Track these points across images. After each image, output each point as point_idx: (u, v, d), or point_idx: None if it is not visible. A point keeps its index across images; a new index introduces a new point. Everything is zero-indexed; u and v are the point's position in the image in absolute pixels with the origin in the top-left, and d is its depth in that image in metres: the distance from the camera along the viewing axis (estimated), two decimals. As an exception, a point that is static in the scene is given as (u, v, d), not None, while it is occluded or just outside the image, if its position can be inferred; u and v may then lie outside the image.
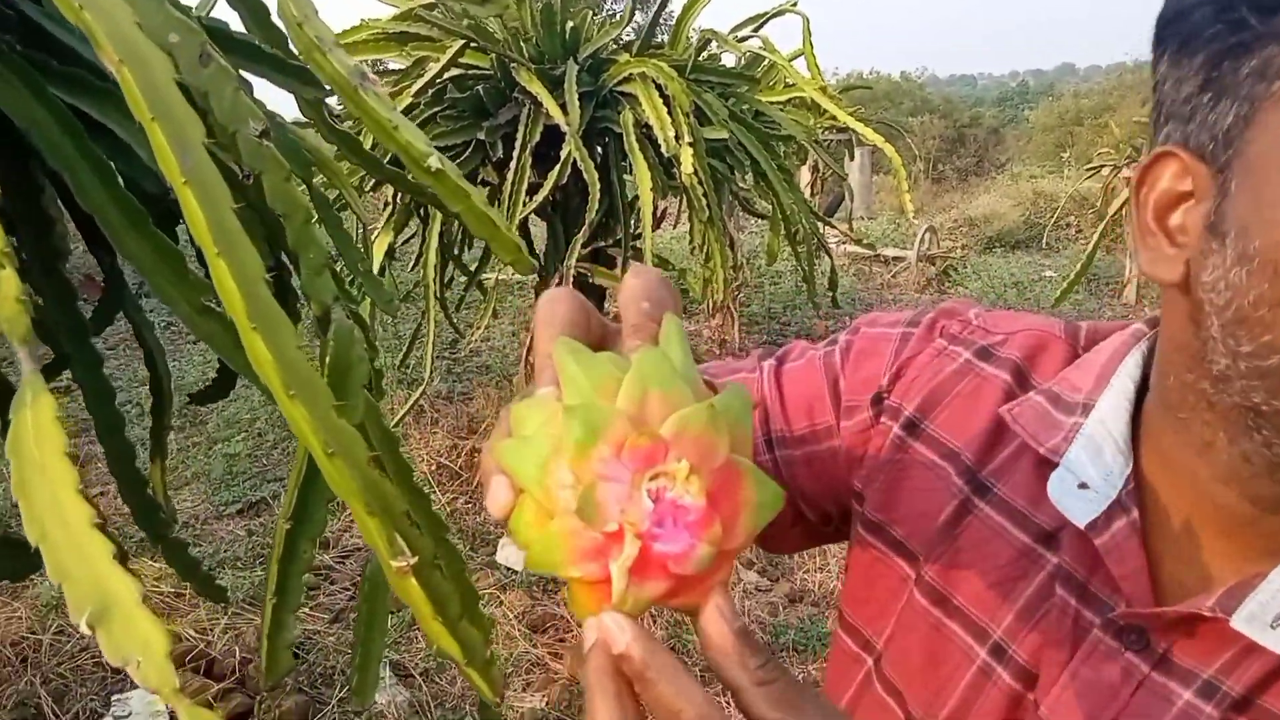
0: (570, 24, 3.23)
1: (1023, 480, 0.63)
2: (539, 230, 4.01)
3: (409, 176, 0.82)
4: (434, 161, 0.76)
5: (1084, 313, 8.63)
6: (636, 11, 3.49)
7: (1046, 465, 0.61)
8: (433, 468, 4.15)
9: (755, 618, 3.23)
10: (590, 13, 3.29)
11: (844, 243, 8.17)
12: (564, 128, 2.97)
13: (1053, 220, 12.48)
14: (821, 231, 3.87)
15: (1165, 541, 0.57)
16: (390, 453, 1.14)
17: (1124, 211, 8.34)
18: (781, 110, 3.63)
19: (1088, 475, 0.58)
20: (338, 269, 1.51)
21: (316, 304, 0.86)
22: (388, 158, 0.88)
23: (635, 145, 3.06)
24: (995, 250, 12.77)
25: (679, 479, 0.38)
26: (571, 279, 3.33)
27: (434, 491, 3.97)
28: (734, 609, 0.39)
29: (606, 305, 4.00)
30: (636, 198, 3.14)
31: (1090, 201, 11.29)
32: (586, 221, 3.16)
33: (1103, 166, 9.54)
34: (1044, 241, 12.57)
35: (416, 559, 0.58)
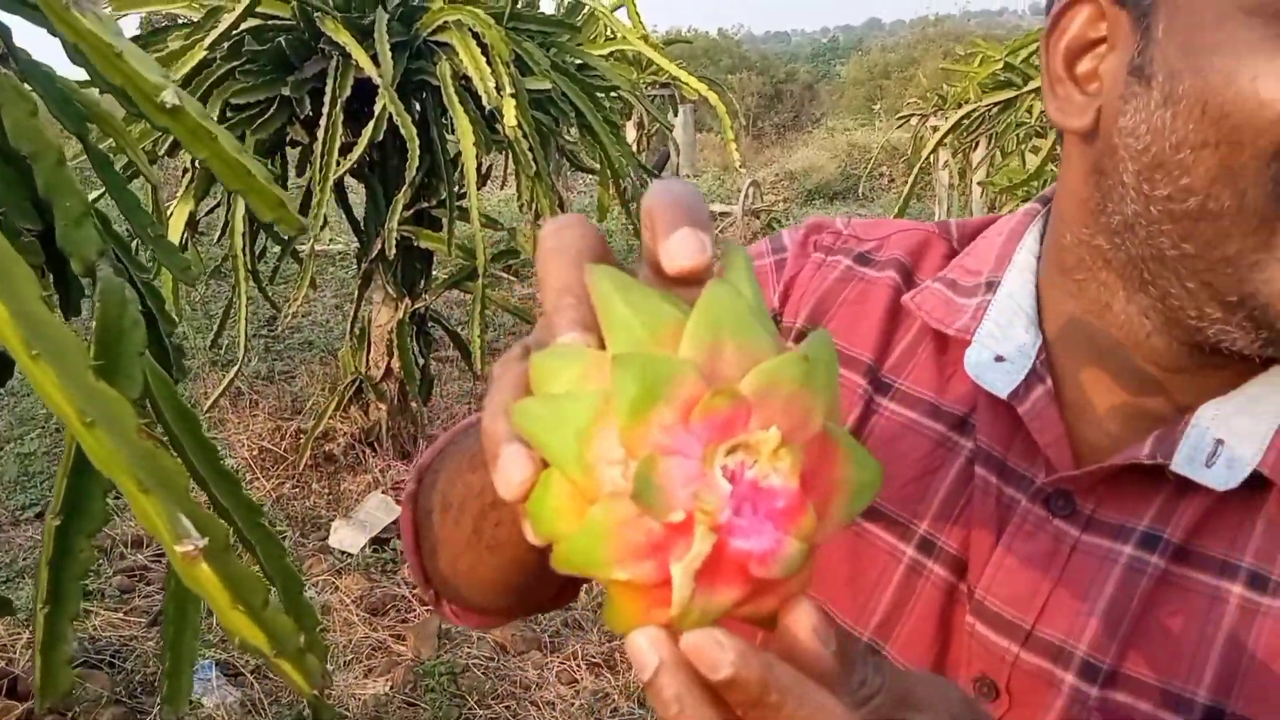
0: (377, -31, 3.04)
1: (925, 371, 0.62)
2: (357, 195, 3.81)
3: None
4: (169, 96, 0.63)
5: (901, 258, 8.96)
6: (447, -41, 3.32)
7: (952, 349, 0.60)
8: (254, 453, 3.91)
9: (606, 577, 3.20)
10: (397, -42, 3.10)
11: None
12: (376, 80, 2.80)
13: (867, 170, 12.95)
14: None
15: (1076, 408, 0.58)
16: (187, 432, 1.00)
17: (932, 159, 8.70)
18: (605, 63, 3.55)
19: (1003, 348, 0.58)
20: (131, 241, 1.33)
21: (77, 259, 0.72)
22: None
23: (455, 98, 2.92)
24: (815, 202, 13.16)
25: (765, 453, 0.29)
26: (394, 242, 3.16)
27: (257, 477, 3.73)
28: (825, 617, 0.31)
29: (434, 271, 3.84)
30: (459, 154, 3.01)
31: (901, 151, 11.77)
32: (407, 181, 3.01)
33: (911, 116, 9.93)
34: (860, 191, 13.03)
35: (207, 541, 0.48)
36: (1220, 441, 0.52)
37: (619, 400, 0.29)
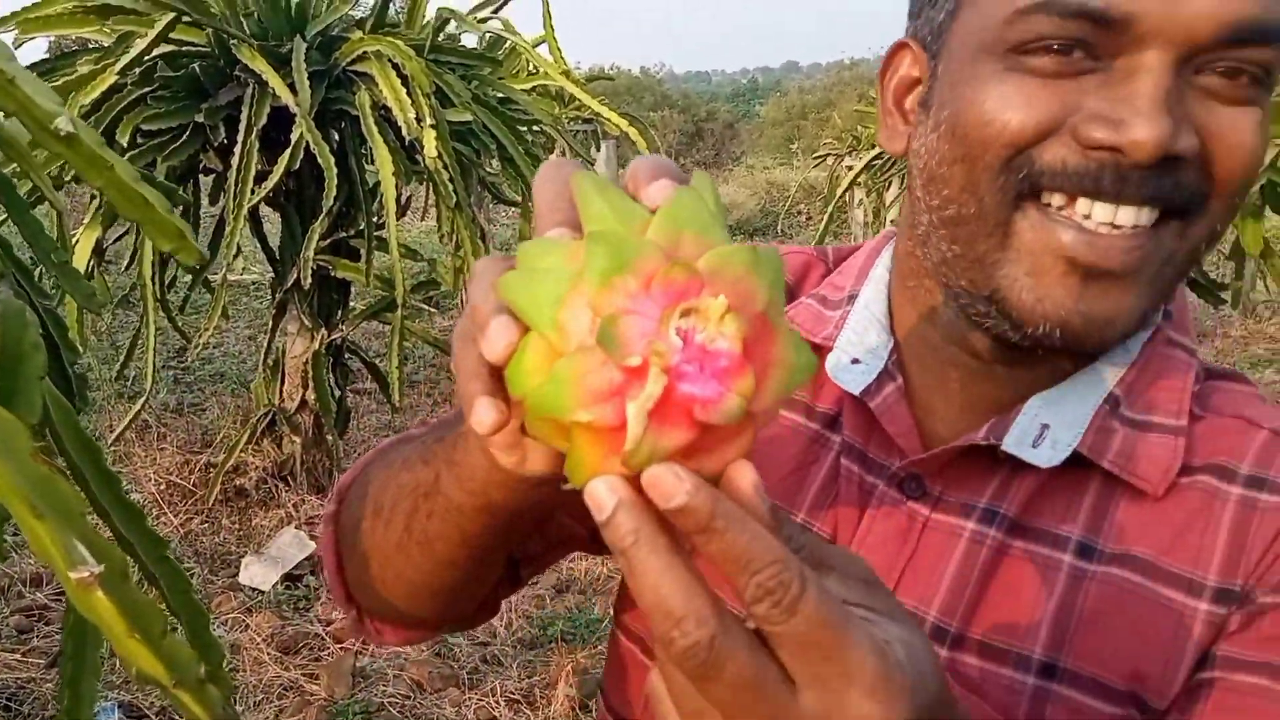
0: (295, -1, 3.02)
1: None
2: (273, 224, 3.75)
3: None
4: (63, 123, 0.62)
5: None
6: (369, -10, 3.31)
7: (823, 355, 0.67)
8: (161, 487, 3.78)
9: (522, 612, 3.16)
10: (317, -13, 3.09)
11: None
12: (293, 109, 2.77)
13: (785, 208, 13.21)
14: (572, 218, 3.84)
15: (923, 402, 0.65)
16: (89, 462, 0.97)
17: (846, 197, 8.91)
18: (527, 97, 3.57)
19: (858, 352, 0.65)
20: (33, 267, 1.29)
21: (-28, 280, 0.70)
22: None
23: (374, 128, 2.90)
24: (736, 238, 13.29)
25: (713, 319, 0.33)
26: (310, 272, 3.12)
27: (164, 512, 3.61)
28: (762, 481, 0.36)
29: (352, 302, 3.79)
30: (378, 184, 2.99)
31: (818, 189, 12.03)
32: (324, 210, 2.97)
33: (828, 156, 10.17)
34: (779, 228, 13.27)
35: (103, 568, 0.47)
36: (1046, 425, 0.60)
37: (589, 269, 0.33)
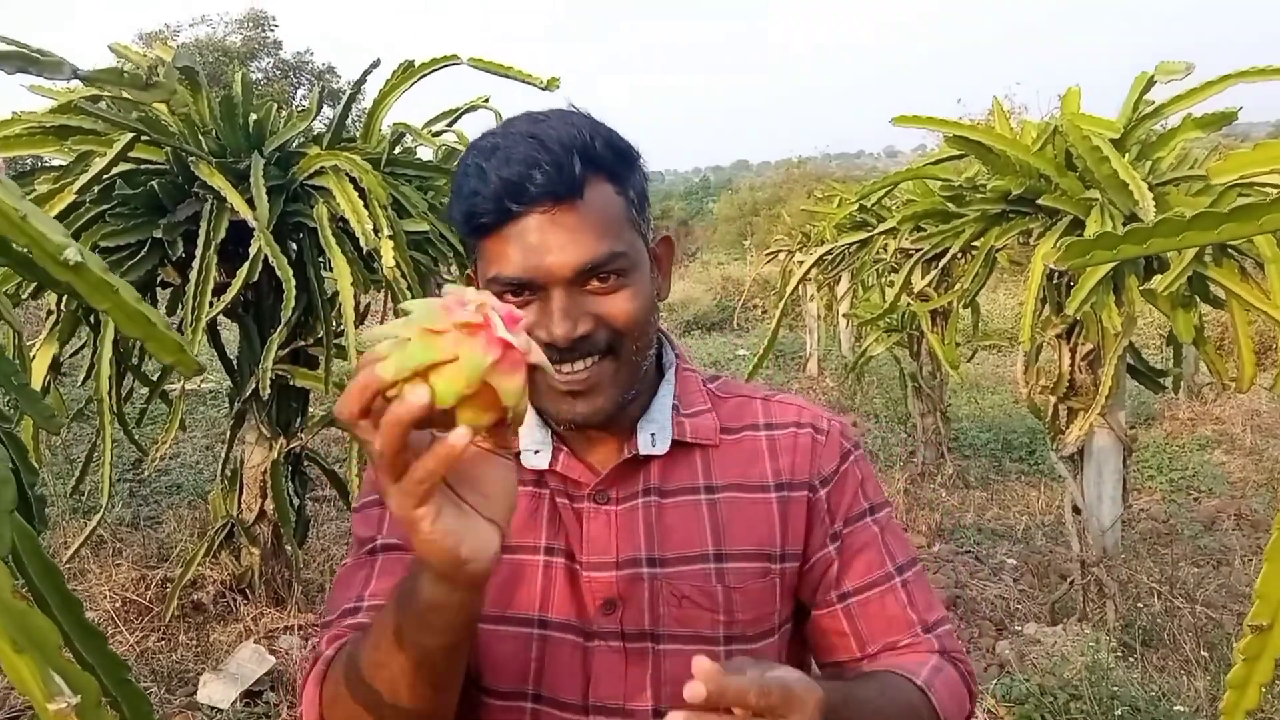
0: (254, 116, 3.10)
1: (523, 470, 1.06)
2: (230, 332, 3.76)
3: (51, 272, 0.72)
4: (72, 254, 0.67)
5: (774, 385, 9.24)
6: (325, 105, 3.41)
7: (518, 455, 1.05)
8: (117, 604, 3.70)
9: None
10: (275, 105, 3.17)
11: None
12: (251, 223, 2.82)
13: (740, 303, 13.40)
14: (529, 321, 3.90)
15: (580, 452, 1.05)
16: (51, 587, 0.99)
17: (799, 291, 9.08)
18: (481, 203, 3.65)
19: (532, 445, 1.04)
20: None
21: (-55, 416, 0.73)
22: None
23: (331, 239, 2.96)
24: (694, 332, 13.50)
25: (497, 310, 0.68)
26: (269, 382, 3.13)
27: (120, 630, 3.53)
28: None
29: (311, 409, 3.79)
30: (337, 293, 3.03)
31: (772, 284, 12.25)
32: (283, 320, 3.00)
33: (779, 251, 10.40)
34: (735, 322, 13.45)
35: (79, 699, 0.49)
36: (653, 433, 1.04)
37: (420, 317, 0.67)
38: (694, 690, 0.69)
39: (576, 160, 0.93)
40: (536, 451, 1.04)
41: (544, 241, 0.92)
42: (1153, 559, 4.63)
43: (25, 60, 0.86)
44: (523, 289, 0.94)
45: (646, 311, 0.98)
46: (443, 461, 0.67)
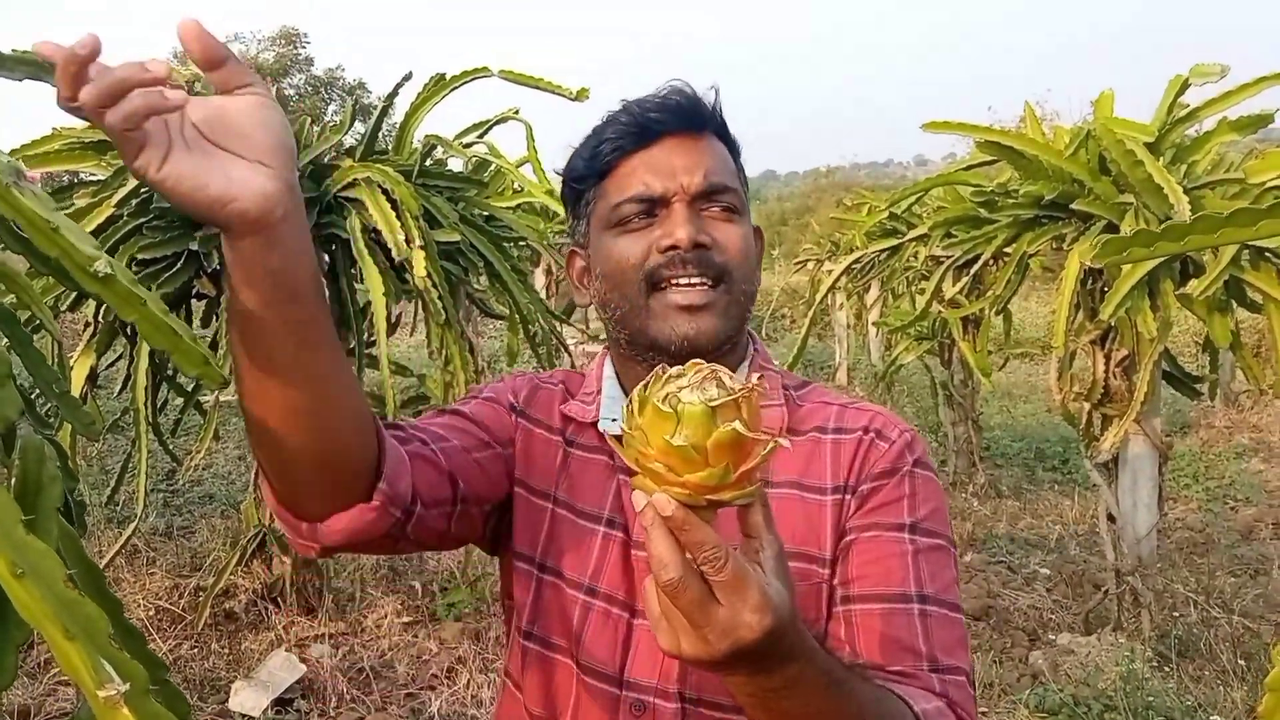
0: (287, 130, 3.13)
1: (588, 437, 1.11)
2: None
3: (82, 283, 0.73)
4: (102, 266, 0.68)
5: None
6: (357, 120, 3.44)
7: (595, 424, 1.10)
8: (151, 613, 3.74)
9: None
10: (309, 119, 3.21)
11: (582, 342, 8.32)
12: (286, 234, 2.85)
13: (769, 313, 13.38)
14: (560, 330, 3.92)
15: None
16: (93, 587, 1.00)
17: (828, 300, 9.05)
18: (511, 214, 3.68)
19: (613, 414, 1.07)
20: (32, 393, 1.33)
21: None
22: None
23: (364, 250, 2.98)
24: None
25: None
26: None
27: (153, 638, 3.57)
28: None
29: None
30: (368, 304, 3.05)
31: (800, 293, 12.22)
32: (316, 330, 3.03)
33: (808, 261, 10.38)
34: (763, 332, 13.42)
35: (129, 686, 0.50)
36: None
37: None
38: (665, 501, 0.66)
39: (703, 104, 1.05)
40: (615, 420, 1.06)
41: (674, 161, 1.02)
42: (1189, 568, 4.56)
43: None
44: (651, 207, 1.02)
45: (753, 256, 1.06)
46: (148, 104, 0.65)
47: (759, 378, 0.81)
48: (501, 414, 1.12)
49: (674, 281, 1.00)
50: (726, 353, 1.05)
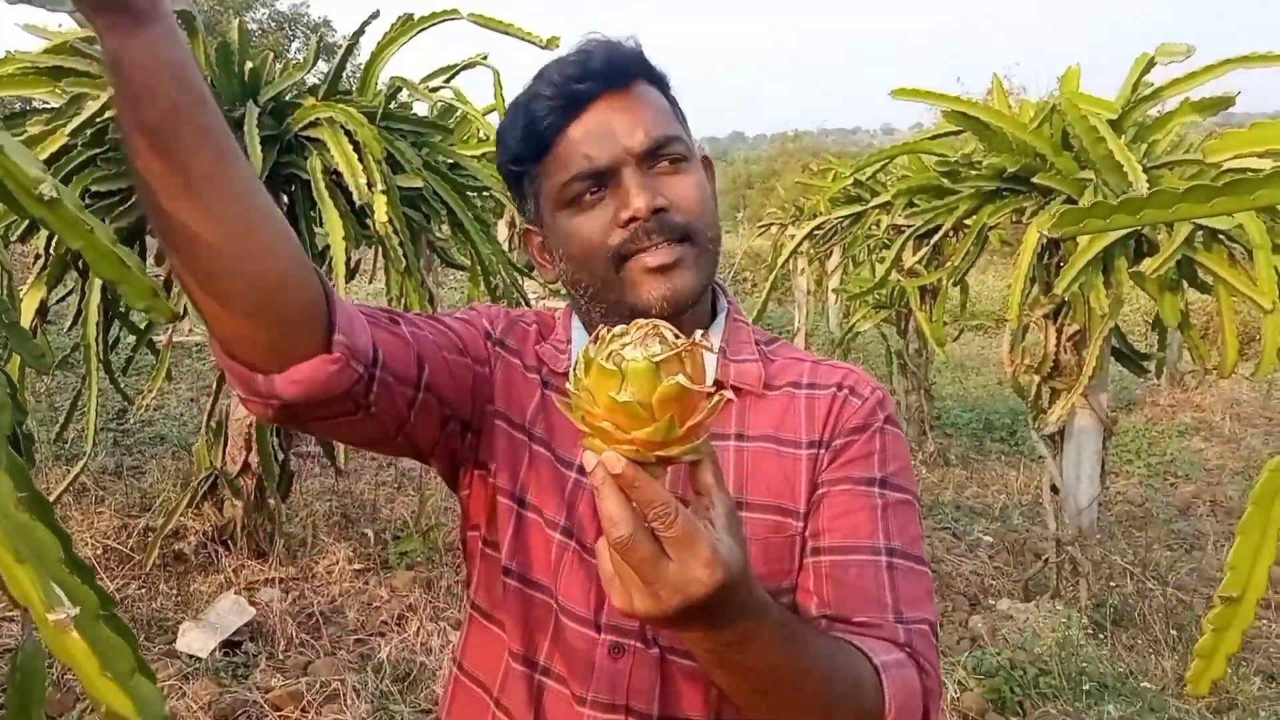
0: (249, 65, 3.07)
1: (561, 384, 1.06)
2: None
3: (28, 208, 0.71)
4: (47, 189, 0.67)
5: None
6: (321, 59, 3.37)
7: (566, 375, 1.00)
8: (99, 551, 3.71)
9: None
10: (271, 54, 3.14)
11: (543, 297, 8.29)
12: (245, 173, 2.80)
13: (730, 275, 13.40)
14: (521, 284, 3.90)
15: None
16: (42, 519, 0.99)
17: (790, 265, 9.08)
18: (477, 163, 3.63)
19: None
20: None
21: (-56, 342, 0.73)
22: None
23: (325, 193, 2.94)
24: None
25: None
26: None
27: (101, 578, 3.54)
28: None
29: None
30: (328, 248, 3.02)
31: (763, 257, 12.25)
32: (273, 272, 2.99)
33: (771, 225, 10.39)
34: (725, 295, 13.44)
35: (79, 610, 0.50)
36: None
37: None
38: (615, 459, 0.67)
39: (623, 55, 1.02)
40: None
41: (611, 126, 0.99)
42: (1127, 541, 4.70)
43: (26, -10, 0.86)
44: (599, 180, 0.99)
45: (710, 202, 1.04)
46: None
47: (711, 336, 0.79)
48: (477, 336, 1.09)
49: (645, 249, 0.99)
50: (698, 302, 1.05)
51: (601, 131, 0.99)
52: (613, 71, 1.00)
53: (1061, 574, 3.86)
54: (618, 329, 0.70)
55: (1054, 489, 3.81)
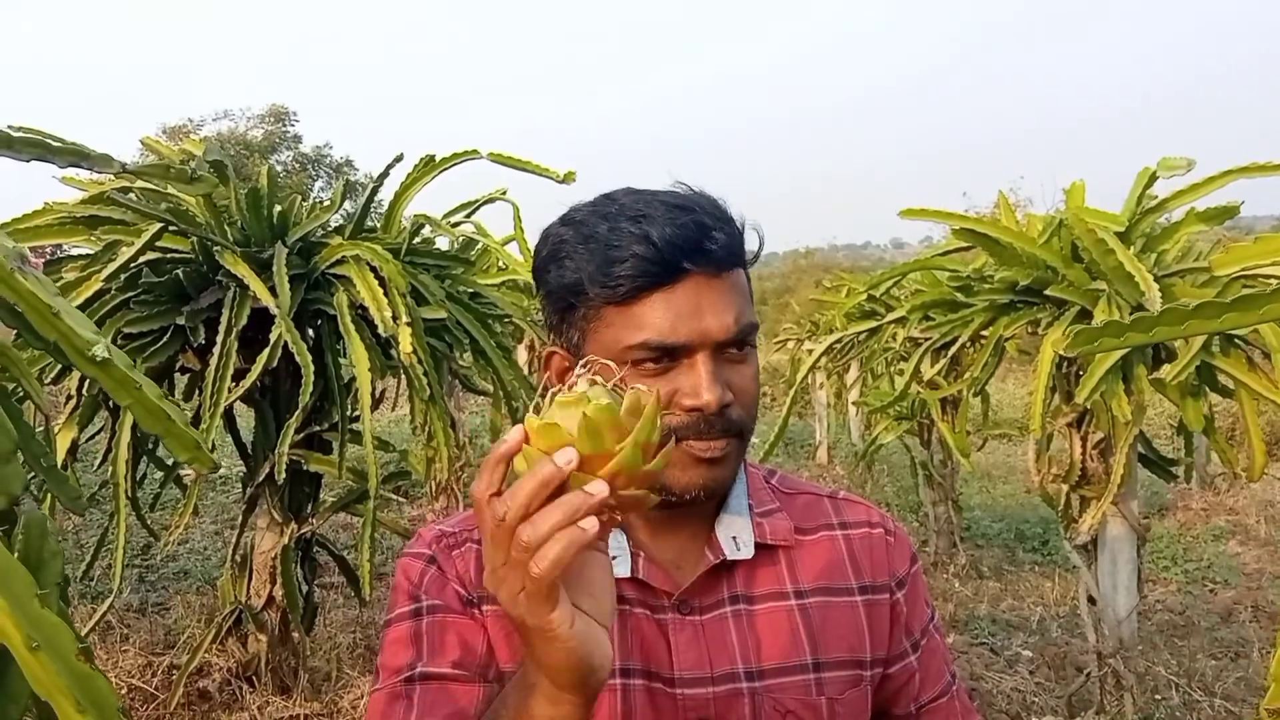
0: (278, 208, 3.18)
1: None
2: (245, 418, 3.80)
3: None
4: (99, 350, 0.71)
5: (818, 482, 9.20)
6: (346, 199, 3.50)
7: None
8: (123, 691, 3.66)
9: None
10: (299, 197, 3.26)
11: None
12: (273, 310, 2.88)
13: (750, 391, 13.40)
14: (541, 407, 3.92)
15: (658, 559, 1.00)
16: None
17: (809, 379, 9.12)
18: (497, 291, 3.72)
19: (611, 550, 0.89)
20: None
21: (2, 495, 0.76)
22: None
23: (350, 326, 3.01)
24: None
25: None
26: (284, 467, 3.15)
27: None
28: None
29: (322, 494, 3.80)
30: (354, 379, 3.07)
31: (781, 372, 12.29)
32: (300, 406, 3.04)
33: (788, 340, 10.48)
34: (745, 411, 13.42)
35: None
36: (735, 536, 1.01)
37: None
38: (601, 484, 0.68)
39: (734, 240, 0.96)
40: (614, 558, 0.90)
41: (701, 307, 0.91)
42: (1170, 651, 4.56)
43: (78, 155, 0.92)
44: (668, 355, 0.92)
45: (759, 386, 1.00)
46: (574, 542, 0.65)
47: (738, 493, 0.98)
48: (469, 632, 0.98)
49: (699, 441, 0.93)
50: None
51: (690, 311, 0.91)
52: (731, 246, 0.94)
53: (1105, 688, 3.74)
54: (545, 400, 0.72)
55: (1091, 600, 3.73)
